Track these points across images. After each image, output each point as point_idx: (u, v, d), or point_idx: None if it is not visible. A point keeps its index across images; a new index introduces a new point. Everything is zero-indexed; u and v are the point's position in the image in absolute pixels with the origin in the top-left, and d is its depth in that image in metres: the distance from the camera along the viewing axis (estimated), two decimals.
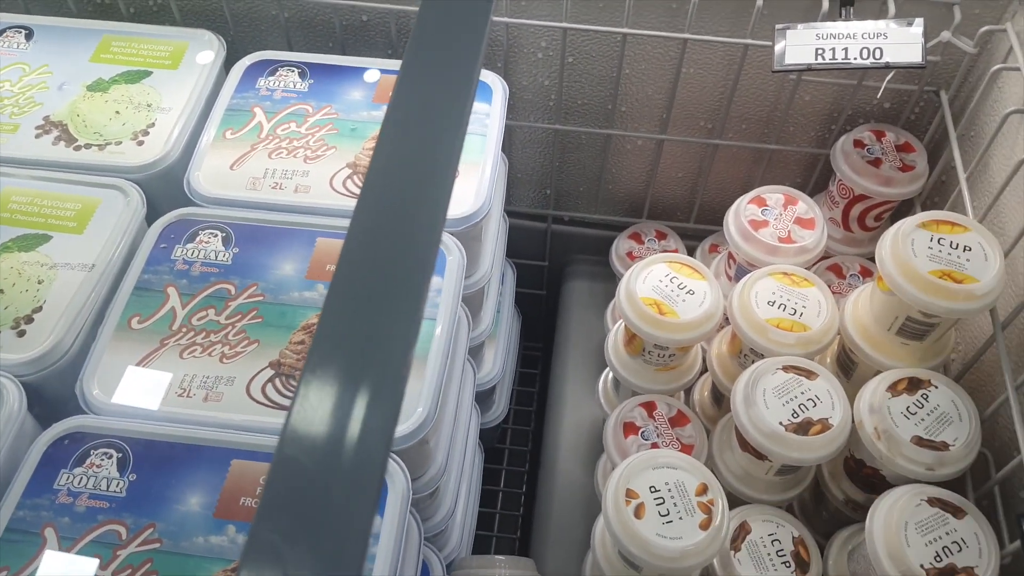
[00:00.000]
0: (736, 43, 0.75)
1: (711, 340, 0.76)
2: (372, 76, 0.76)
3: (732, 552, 0.62)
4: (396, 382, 0.28)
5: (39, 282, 0.61)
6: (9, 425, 0.54)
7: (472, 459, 0.84)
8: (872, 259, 0.79)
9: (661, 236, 0.93)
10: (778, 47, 0.69)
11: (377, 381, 0.28)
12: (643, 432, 0.70)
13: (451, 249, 0.65)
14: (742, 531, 0.64)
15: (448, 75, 0.37)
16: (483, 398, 0.90)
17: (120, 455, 0.54)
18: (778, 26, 0.68)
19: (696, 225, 0.94)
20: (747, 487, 0.67)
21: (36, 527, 0.51)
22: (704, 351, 0.77)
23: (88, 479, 0.53)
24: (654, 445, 0.69)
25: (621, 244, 0.92)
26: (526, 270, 1.01)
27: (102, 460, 0.54)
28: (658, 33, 0.76)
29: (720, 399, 0.77)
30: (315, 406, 0.27)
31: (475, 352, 0.84)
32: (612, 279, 0.94)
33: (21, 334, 0.58)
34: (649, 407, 0.71)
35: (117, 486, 0.53)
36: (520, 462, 1.04)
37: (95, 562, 0.49)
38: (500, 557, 0.73)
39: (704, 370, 0.78)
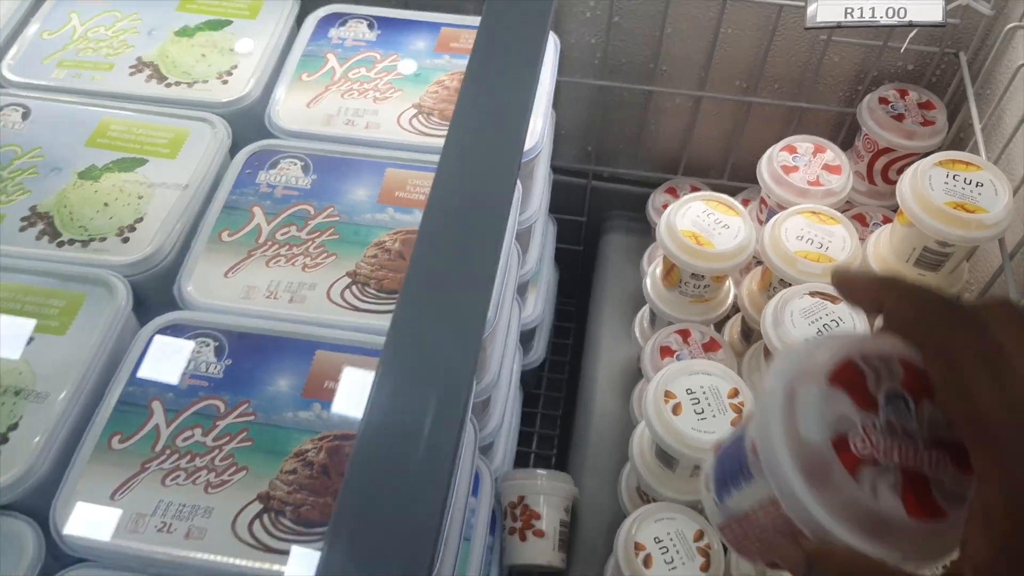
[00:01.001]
0: (772, 3, 0.81)
1: (742, 279, 0.82)
2: (434, 28, 0.83)
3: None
4: (481, 302, 0.36)
5: (139, 197, 0.68)
6: (119, 314, 0.60)
7: (514, 394, 0.90)
8: (895, 211, 0.84)
9: (695, 191, 0.98)
10: (811, 7, 0.74)
11: (465, 300, 0.35)
12: (678, 355, 0.76)
13: None
14: None
15: (522, 28, 0.43)
16: (524, 340, 0.96)
17: (217, 344, 0.61)
18: None
19: (728, 182, 1.00)
20: None
21: (144, 401, 0.58)
22: (735, 291, 0.83)
23: (189, 363, 0.60)
24: None
25: (657, 198, 0.98)
26: (564, 226, 1.07)
27: (201, 347, 0.61)
28: None
29: (749, 335, 0.83)
30: (410, 325, 0.34)
31: (521, 292, 0.90)
32: (647, 233, 1.00)
33: (125, 240, 0.65)
34: (684, 334, 0.77)
35: (215, 369, 0.59)
36: (555, 407, 1.10)
37: (199, 429, 0.56)
38: (541, 471, 0.79)
39: (734, 310, 0.83)
